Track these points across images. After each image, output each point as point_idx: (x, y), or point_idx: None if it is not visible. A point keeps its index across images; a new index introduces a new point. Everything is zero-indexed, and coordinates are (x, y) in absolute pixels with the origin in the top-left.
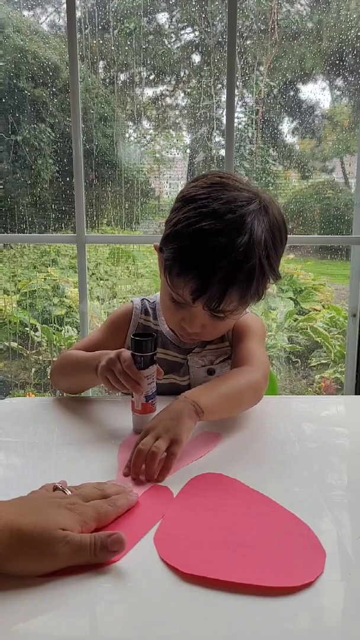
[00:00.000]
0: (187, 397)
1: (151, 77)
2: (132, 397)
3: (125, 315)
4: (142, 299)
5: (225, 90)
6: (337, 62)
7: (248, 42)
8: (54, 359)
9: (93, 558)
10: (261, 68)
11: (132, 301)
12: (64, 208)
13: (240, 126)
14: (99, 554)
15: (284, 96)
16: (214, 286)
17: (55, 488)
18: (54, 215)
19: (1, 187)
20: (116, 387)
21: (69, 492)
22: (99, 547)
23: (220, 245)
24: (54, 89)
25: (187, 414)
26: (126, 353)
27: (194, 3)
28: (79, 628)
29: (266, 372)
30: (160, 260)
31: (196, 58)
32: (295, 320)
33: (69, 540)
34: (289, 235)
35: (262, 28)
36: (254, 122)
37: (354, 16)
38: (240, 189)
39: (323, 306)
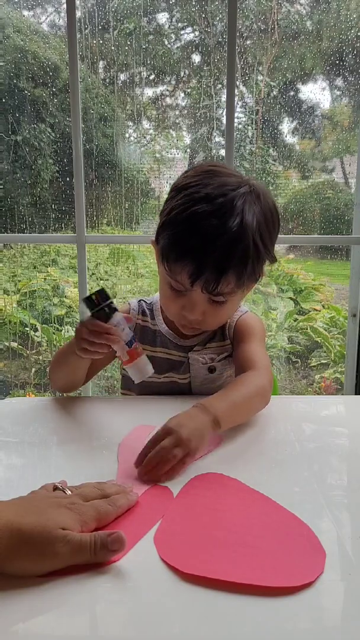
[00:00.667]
0: (210, 410)
1: (151, 77)
2: (116, 353)
3: None
4: (139, 300)
5: (225, 90)
6: (337, 62)
7: (248, 42)
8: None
9: (93, 557)
10: (261, 68)
11: (129, 302)
12: (64, 208)
13: (240, 126)
14: (99, 553)
15: (284, 96)
16: (210, 268)
17: (55, 488)
18: (54, 215)
19: (1, 187)
20: (95, 349)
21: (69, 492)
22: (99, 546)
23: (213, 227)
24: (54, 89)
25: (210, 430)
26: (86, 317)
27: (194, 3)
28: (79, 628)
29: (271, 376)
30: (157, 252)
31: (196, 58)
32: (295, 320)
33: (69, 540)
34: (289, 235)
35: (262, 28)
36: (254, 122)
37: (354, 16)
38: (230, 174)
39: (323, 306)
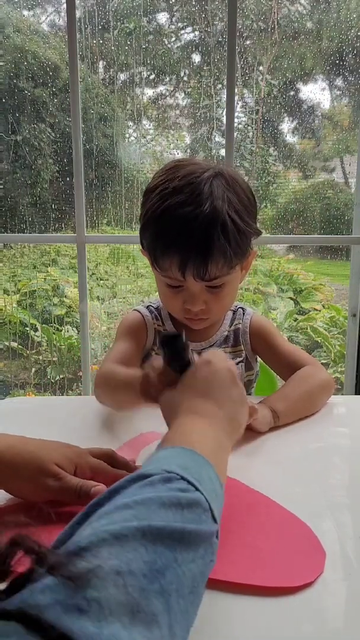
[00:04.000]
0: (266, 404)
1: (151, 77)
2: None
3: (138, 322)
4: (147, 306)
5: (225, 90)
6: (337, 62)
7: (248, 42)
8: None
9: (76, 499)
10: (261, 68)
11: (137, 310)
12: (64, 208)
13: (240, 126)
14: (82, 497)
15: (284, 96)
16: (195, 253)
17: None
18: (54, 215)
19: (1, 187)
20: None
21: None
22: (83, 492)
23: (188, 213)
24: (54, 89)
25: (267, 411)
26: (153, 360)
27: (194, 3)
28: None
29: (322, 366)
30: (147, 256)
31: (196, 58)
32: (295, 320)
33: (61, 478)
34: (289, 236)
35: (262, 28)
36: (254, 122)
37: (354, 16)
38: (194, 164)
39: (323, 306)
